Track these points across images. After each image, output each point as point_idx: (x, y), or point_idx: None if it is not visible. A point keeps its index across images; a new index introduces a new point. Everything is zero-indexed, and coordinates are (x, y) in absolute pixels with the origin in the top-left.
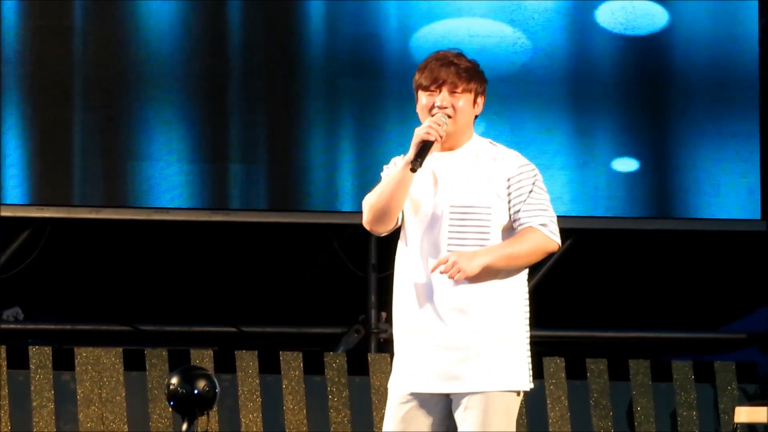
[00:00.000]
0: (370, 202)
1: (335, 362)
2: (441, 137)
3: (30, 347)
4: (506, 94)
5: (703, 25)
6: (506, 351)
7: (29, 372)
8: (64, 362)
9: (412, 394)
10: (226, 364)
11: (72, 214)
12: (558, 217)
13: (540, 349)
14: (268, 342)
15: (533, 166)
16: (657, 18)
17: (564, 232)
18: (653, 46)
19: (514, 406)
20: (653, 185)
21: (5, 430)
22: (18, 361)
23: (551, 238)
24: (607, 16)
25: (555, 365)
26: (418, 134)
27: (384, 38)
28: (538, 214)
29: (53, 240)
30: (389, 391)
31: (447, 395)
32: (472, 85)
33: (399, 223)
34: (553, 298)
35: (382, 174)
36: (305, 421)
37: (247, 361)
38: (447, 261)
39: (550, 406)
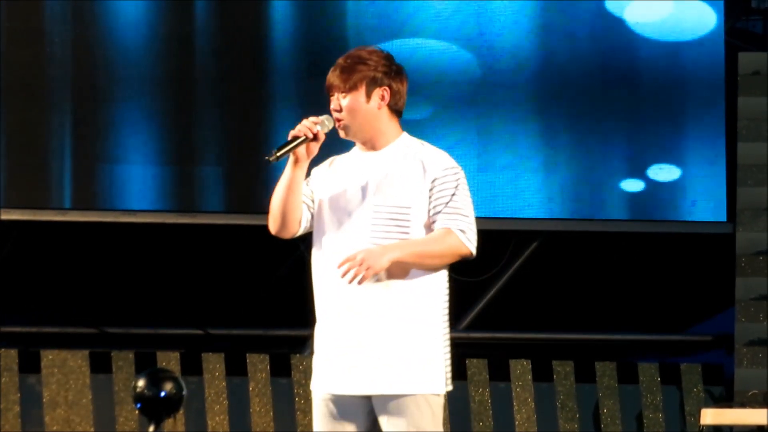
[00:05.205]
0: (269, 208)
1: (302, 365)
2: (314, 135)
3: None
4: (472, 97)
5: (670, 28)
6: (424, 353)
7: None
8: (30, 365)
9: (335, 396)
10: (192, 367)
11: (39, 217)
12: (524, 219)
13: (506, 352)
14: (235, 344)
15: (459, 169)
16: (624, 20)
17: (530, 234)
18: (620, 49)
19: (437, 406)
20: (619, 188)
21: None
22: None
23: (466, 245)
24: (573, 19)
25: (521, 367)
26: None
27: (349, 39)
28: (457, 218)
29: (20, 242)
30: (312, 392)
31: (369, 397)
32: (356, 80)
33: (302, 227)
34: (519, 301)
35: None
36: (272, 423)
37: (214, 364)
38: (355, 259)
39: (516, 408)
